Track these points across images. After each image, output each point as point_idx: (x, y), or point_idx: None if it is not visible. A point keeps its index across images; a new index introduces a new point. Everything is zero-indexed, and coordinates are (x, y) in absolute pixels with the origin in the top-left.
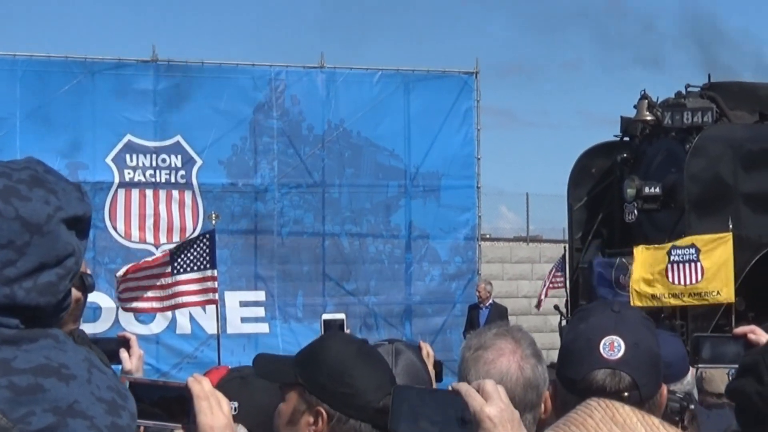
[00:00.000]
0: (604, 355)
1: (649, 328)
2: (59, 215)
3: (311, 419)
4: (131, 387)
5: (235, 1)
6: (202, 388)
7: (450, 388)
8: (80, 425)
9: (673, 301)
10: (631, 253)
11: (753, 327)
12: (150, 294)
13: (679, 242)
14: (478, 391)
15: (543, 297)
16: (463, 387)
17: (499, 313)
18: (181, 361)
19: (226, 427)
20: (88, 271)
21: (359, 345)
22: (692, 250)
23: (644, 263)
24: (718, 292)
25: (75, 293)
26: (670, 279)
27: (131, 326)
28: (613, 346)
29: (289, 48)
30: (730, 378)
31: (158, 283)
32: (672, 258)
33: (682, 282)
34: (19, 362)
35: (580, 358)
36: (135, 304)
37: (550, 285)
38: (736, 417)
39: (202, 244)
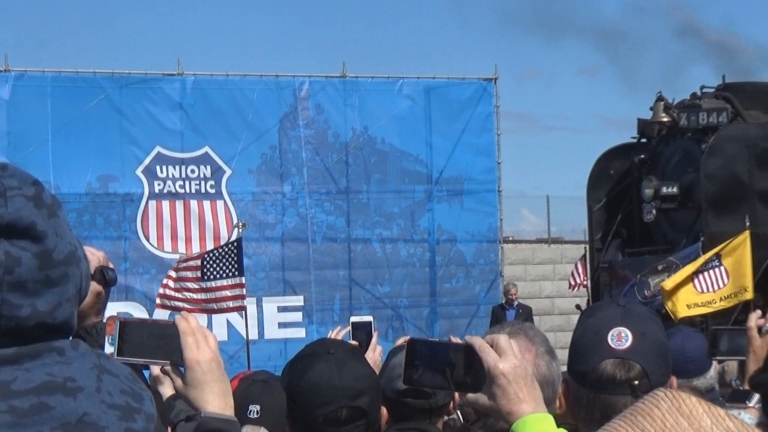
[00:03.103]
0: (613, 346)
1: (654, 321)
2: None
3: None
4: (122, 326)
5: (258, 13)
6: (189, 324)
7: (465, 340)
8: None
9: (706, 310)
10: (650, 253)
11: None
12: (180, 296)
13: (700, 261)
14: (492, 346)
15: (578, 281)
16: (477, 341)
17: (525, 314)
18: None
19: (212, 360)
20: (110, 265)
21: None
22: (715, 261)
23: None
24: (745, 290)
25: (96, 287)
26: (699, 289)
27: None
28: (620, 337)
29: (312, 58)
30: (735, 383)
31: (190, 286)
32: (699, 271)
33: (711, 289)
34: (19, 383)
35: (588, 350)
36: (171, 303)
37: (579, 279)
38: (764, 409)
39: (231, 252)
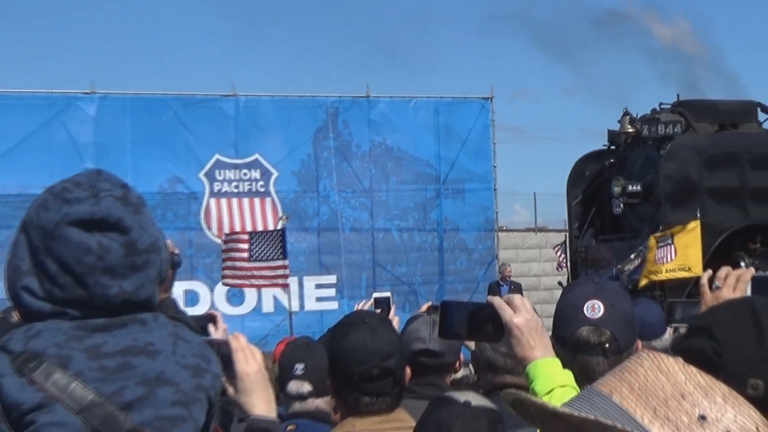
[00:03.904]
0: (588, 316)
1: (623, 295)
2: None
3: None
4: None
5: (297, 43)
6: (239, 342)
7: (487, 300)
8: (167, 391)
9: (655, 277)
10: (618, 239)
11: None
12: (228, 272)
13: (659, 234)
14: (508, 304)
15: (560, 261)
16: (497, 300)
17: (517, 289)
18: (267, 334)
19: (258, 372)
20: (176, 251)
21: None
22: (669, 239)
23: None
24: (689, 268)
25: None
26: (655, 260)
27: (224, 308)
28: (594, 308)
29: (341, 81)
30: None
31: (237, 265)
32: (658, 245)
33: (662, 262)
34: (108, 347)
35: (568, 319)
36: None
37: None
38: None
39: (275, 239)
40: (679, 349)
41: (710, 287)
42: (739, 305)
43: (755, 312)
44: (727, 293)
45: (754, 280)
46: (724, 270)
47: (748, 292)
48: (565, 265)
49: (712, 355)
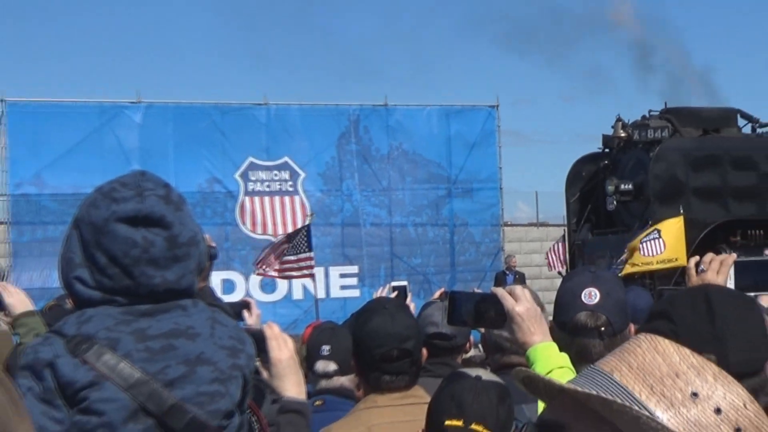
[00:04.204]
0: (585, 302)
1: (617, 283)
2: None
3: None
4: None
5: (322, 57)
6: (273, 331)
7: (491, 291)
8: (206, 370)
9: (646, 269)
10: (612, 233)
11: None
12: (265, 266)
13: (646, 231)
14: (510, 294)
15: (552, 261)
16: (500, 291)
17: (521, 278)
18: (296, 319)
19: (290, 358)
20: (213, 244)
21: None
22: (656, 233)
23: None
24: (676, 259)
25: None
26: (642, 253)
27: (258, 295)
28: (591, 295)
29: (362, 91)
30: None
31: (273, 259)
32: (643, 240)
33: (651, 254)
34: (153, 330)
35: (567, 305)
36: (261, 270)
37: (555, 255)
38: None
39: (302, 234)
40: (643, 332)
41: (696, 272)
42: (695, 292)
43: (708, 298)
44: (712, 276)
45: (736, 265)
46: (709, 255)
47: (732, 275)
48: (554, 266)
49: (671, 335)
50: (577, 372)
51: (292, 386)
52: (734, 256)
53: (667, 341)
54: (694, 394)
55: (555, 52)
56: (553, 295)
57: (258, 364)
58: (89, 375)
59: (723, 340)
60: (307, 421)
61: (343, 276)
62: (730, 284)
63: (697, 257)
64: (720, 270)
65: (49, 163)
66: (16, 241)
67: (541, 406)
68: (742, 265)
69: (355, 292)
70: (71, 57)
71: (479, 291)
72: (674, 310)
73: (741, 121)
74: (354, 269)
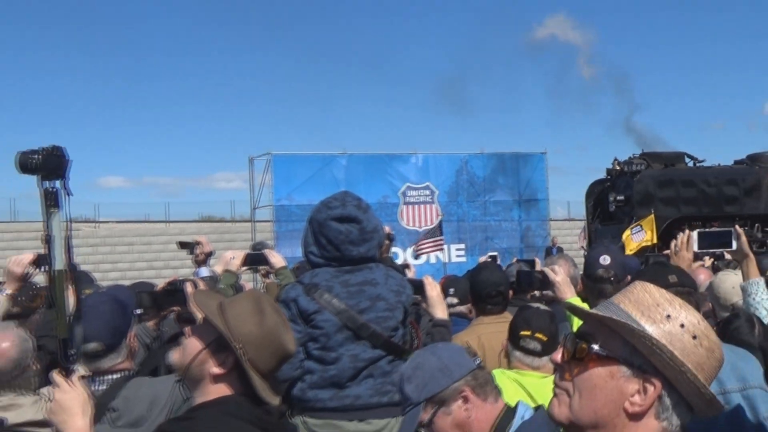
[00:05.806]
0: (601, 263)
1: (620, 253)
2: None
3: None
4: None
5: (388, 104)
6: (428, 280)
7: (542, 268)
8: (382, 304)
9: (636, 250)
10: (613, 224)
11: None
12: (419, 245)
13: (633, 225)
14: (551, 270)
15: (579, 240)
16: (546, 270)
17: (560, 251)
18: (433, 273)
19: (438, 295)
20: (391, 231)
21: None
22: (639, 228)
23: (627, 239)
24: (651, 240)
25: (386, 241)
26: (633, 241)
27: (411, 261)
28: (605, 259)
29: (468, 137)
30: None
31: (422, 242)
32: (632, 232)
33: (638, 240)
34: (352, 280)
35: (591, 265)
36: (417, 248)
37: (580, 238)
38: None
39: (436, 227)
40: (635, 280)
41: (674, 250)
42: (656, 263)
43: (650, 263)
44: (683, 252)
45: (699, 235)
46: (679, 238)
47: (695, 246)
48: (581, 244)
49: (650, 281)
50: (594, 306)
51: (440, 312)
52: (691, 233)
53: (651, 285)
54: (668, 316)
55: (584, 118)
56: (580, 260)
57: (420, 300)
58: (315, 306)
59: (667, 282)
60: (450, 332)
61: (458, 250)
62: (695, 248)
63: (675, 240)
64: (687, 245)
65: (295, 188)
66: (278, 231)
67: (575, 324)
68: (703, 235)
69: (464, 259)
70: (300, 119)
71: (530, 269)
72: (648, 269)
73: (688, 160)
74: (463, 246)
